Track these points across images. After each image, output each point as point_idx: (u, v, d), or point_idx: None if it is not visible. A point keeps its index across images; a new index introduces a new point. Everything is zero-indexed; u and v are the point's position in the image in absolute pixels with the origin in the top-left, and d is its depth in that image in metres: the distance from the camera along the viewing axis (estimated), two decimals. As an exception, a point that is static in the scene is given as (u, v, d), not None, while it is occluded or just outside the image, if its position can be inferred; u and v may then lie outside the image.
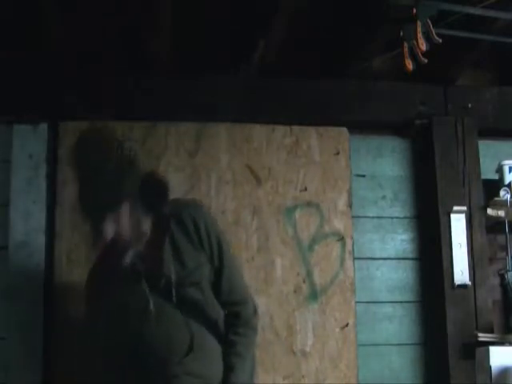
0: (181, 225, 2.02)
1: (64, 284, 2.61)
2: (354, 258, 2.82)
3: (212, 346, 2.04)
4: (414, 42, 2.31)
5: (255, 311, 2.12)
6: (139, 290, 1.96)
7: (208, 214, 2.14)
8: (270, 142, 2.85)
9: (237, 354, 2.04)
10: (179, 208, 2.06)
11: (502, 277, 2.91)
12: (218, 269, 2.06)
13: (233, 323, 2.08)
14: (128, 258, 1.91)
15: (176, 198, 2.11)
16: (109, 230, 1.86)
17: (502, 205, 2.81)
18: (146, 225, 1.95)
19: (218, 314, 2.06)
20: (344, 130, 2.90)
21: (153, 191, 1.95)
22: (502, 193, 2.82)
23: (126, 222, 1.90)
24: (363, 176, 2.95)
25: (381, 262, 2.89)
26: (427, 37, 2.30)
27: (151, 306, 1.96)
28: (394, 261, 2.90)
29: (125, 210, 1.89)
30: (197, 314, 2.00)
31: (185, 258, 2.00)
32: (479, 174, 2.89)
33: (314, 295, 2.75)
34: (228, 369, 2.02)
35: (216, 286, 2.07)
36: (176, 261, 1.99)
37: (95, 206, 1.89)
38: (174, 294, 1.96)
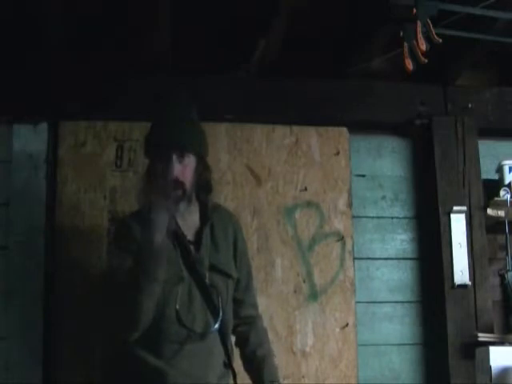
0: (222, 226, 2.16)
1: (64, 284, 2.61)
2: (354, 258, 2.82)
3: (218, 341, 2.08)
4: (414, 42, 2.30)
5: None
6: (172, 257, 2.00)
7: (242, 229, 2.28)
8: (270, 141, 2.85)
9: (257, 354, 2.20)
10: (223, 213, 2.22)
11: (502, 277, 2.91)
12: (242, 287, 2.18)
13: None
14: (179, 209, 2.01)
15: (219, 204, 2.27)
16: (176, 168, 2.01)
17: (502, 205, 2.81)
18: (195, 201, 2.11)
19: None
20: (344, 130, 2.91)
21: (204, 180, 2.12)
22: (502, 193, 2.81)
23: (189, 172, 2.05)
24: (363, 176, 2.95)
25: (381, 262, 2.89)
26: (427, 37, 2.29)
27: (184, 273, 2.01)
28: (394, 261, 2.90)
29: (191, 162, 2.06)
30: (221, 304, 2.05)
31: (220, 250, 2.11)
32: (479, 174, 2.89)
33: (314, 295, 2.75)
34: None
35: (236, 301, 2.17)
36: (213, 250, 2.09)
37: (166, 140, 2.04)
38: (207, 276, 2.03)
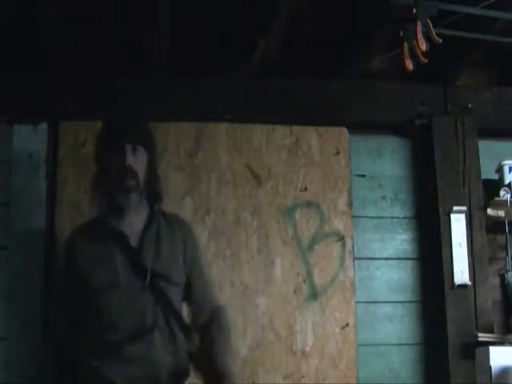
0: (170, 234, 2.18)
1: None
2: (354, 258, 2.82)
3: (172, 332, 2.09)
4: (414, 42, 2.30)
5: (216, 309, 2.25)
6: (111, 259, 2.06)
7: (194, 235, 2.31)
8: (270, 141, 2.85)
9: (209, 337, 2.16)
10: (172, 219, 2.24)
11: (502, 277, 2.91)
12: (188, 283, 2.19)
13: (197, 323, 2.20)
14: (130, 200, 2.09)
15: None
16: (129, 157, 2.07)
17: (502, 205, 2.81)
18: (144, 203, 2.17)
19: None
20: (344, 130, 2.90)
21: (153, 190, 2.18)
22: (502, 193, 2.81)
23: (142, 164, 2.12)
24: (363, 176, 2.95)
25: (381, 261, 2.89)
26: (427, 37, 2.29)
27: (120, 275, 2.04)
28: (394, 261, 2.90)
29: (143, 156, 2.13)
30: (165, 304, 2.07)
31: (163, 258, 2.12)
32: (479, 174, 2.89)
33: (314, 295, 2.75)
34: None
35: (193, 302, 2.21)
36: (156, 255, 2.10)
37: (118, 133, 2.11)
38: (148, 279, 2.04)
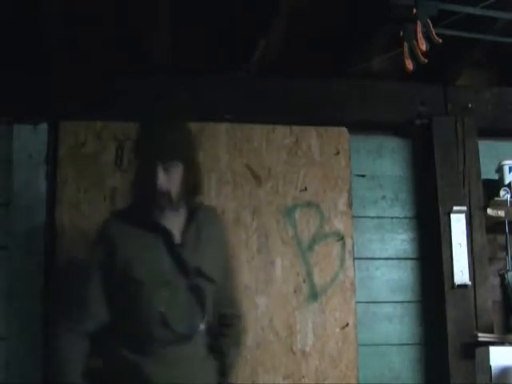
0: (208, 226, 2.13)
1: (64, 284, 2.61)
2: (354, 258, 2.82)
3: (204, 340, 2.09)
4: (414, 42, 2.30)
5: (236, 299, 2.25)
6: (158, 257, 2.02)
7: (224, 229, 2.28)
8: (270, 141, 2.85)
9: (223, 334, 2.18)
10: (208, 211, 2.20)
11: (502, 277, 2.91)
12: (221, 285, 2.14)
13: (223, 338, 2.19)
14: (164, 217, 2.03)
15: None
16: (161, 181, 1.98)
17: (502, 205, 2.81)
18: (183, 203, 2.08)
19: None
20: (344, 129, 2.90)
21: (194, 180, 2.09)
22: (502, 193, 2.82)
23: (176, 180, 2.01)
24: (363, 176, 2.95)
25: (381, 261, 2.89)
26: (427, 37, 2.29)
27: (171, 275, 2.01)
28: (394, 261, 2.90)
29: (177, 169, 2.02)
30: (203, 305, 2.05)
31: (205, 253, 2.08)
32: (479, 174, 2.89)
33: (314, 295, 2.75)
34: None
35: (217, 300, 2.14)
36: (197, 252, 2.06)
37: (149, 156, 2.01)
38: (190, 278, 2.02)
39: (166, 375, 1.95)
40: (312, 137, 2.88)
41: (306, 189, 2.83)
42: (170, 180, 1.99)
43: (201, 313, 2.03)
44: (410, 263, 2.90)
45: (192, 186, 2.08)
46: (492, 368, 2.62)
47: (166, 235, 2.04)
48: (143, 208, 2.06)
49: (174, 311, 1.99)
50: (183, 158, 2.03)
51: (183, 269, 2.02)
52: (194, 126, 2.77)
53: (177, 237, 2.05)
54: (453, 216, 2.81)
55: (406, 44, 2.34)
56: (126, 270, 2.00)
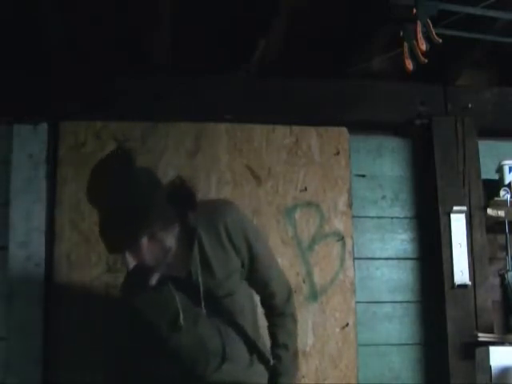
0: (211, 232, 1.95)
1: (64, 284, 2.61)
2: (354, 258, 2.82)
3: (241, 354, 2.04)
4: (414, 42, 2.30)
5: (289, 296, 2.14)
6: (170, 303, 1.95)
7: (237, 213, 2.03)
8: (270, 141, 2.85)
9: (279, 345, 2.09)
10: (210, 214, 1.97)
11: (502, 277, 2.91)
12: (249, 269, 2.04)
13: (269, 314, 2.13)
14: (153, 280, 1.86)
15: (204, 200, 2.09)
16: (130, 260, 1.78)
17: (502, 205, 2.81)
18: (171, 238, 1.86)
19: (251, 322, 2.08)
20: (344, 129, 2.90)
21: (179, 199, 1.90)
22: (502, 193, 2.81)
23: (146, 251, 1.80)
24: (363, 176, 2.95)
25: (381, 261, 2.89)
26: (427, 37, 2.29)
27: (181, 319, 1.94)
28: (394, 261, 2.90)
29: (144, 238, 1.79)
30: (228, 323, 2.01)
31: (214, 269, 1.95)
32: (479, 174, 2.89)
33: (314, 295, 2.75)
34: (276, 360, 2.08)
35: (251, 283, 2.08)
36: (205, 271, 1.93)
37: (114, 237, 1.77)
38: (203, 305, 1.94)
39: None
40: (312, 137, 2.88)
41: (305, 189, 2.83)
42: (139, 256, 1.79)
43: (227, 332, 2.00)
44: (409, 263, 2.90)
45: (182, 207, 1.90)
46: (492, 368, 2.62)
47: (175, 279, 1.95)
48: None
49: (197, 351, 1.98)
50: (148, 227, 1.78)
51: (193, 298, 1.95)
52: (194, 126, 2.80)
53: (180, 270, 1.94)
54: (453, 216, 2.81)
55: (405, 44, 2.34)
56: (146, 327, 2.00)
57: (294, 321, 2.16)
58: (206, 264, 1.94)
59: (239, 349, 2.03)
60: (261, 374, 2.07)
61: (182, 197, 1.90)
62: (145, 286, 1.87)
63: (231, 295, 1.99)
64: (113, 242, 1.76)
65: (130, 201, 1.75)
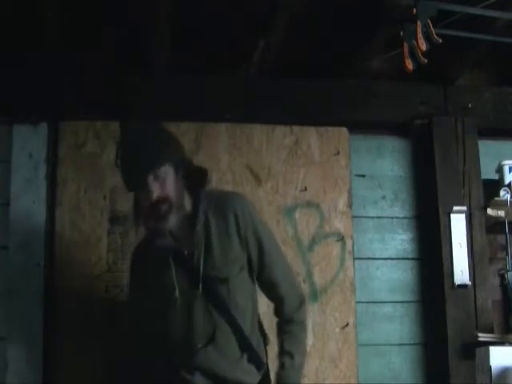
0: (220, 220, 2.01)
1: (64, 284, 2.61)
2: (354, 258, 2.83)
3: (230, 346, 2.02)
4: (414, 42, 2.30)
5: (301, 304, 2.12)
6: (168, 276, 1.98)
7: (248, 206, 2.07)
8: (270, 141, 2.85)
9: (285, 352, 2.06)
10: (221, 202, 2.04)
11: (502, 277, 2.91)
12: (258, 264, 2.06)
13: (279, 321, 2.13)
14: (169, 222, 1.92)
15: (218, 190, 2.18)
16: (154, 188, 1.89)
17: (502, 205, 2.81)
18: (187, 201, 2.00)
19: (249, 321, 2.07)
20: (344, 130, 2.91)
21: (193, 175, 2.01)
22: (502, 193, 2.82)
23: (170, 182, 1.92)
24: (363, 176, 2.95)
25: (381, 261, 2.89)
26: (427, 37, 2.30)
27: (177, 292, 1.97)
28: (394, 261, 2.90)
29: (168, 172, 1.92)
30: (221, 310, 2.01)
31: (216, 254, 1.99)
32: (479, 174, 2.89)
33: (313, 295, 2.75)
34: (279, 367, 2.05)
35: (261, 284, 2.11)
36: (207, 255, 1.98)
37: (136, 168, 1.90)
38: (200, 286, 1.97)
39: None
40: (312, 137, 2.88)
41: (305, 189, 2.83)
42: (163, 186, 1.90)
43: (216, 318, 1.99)
44: (409, 263, 2.90)
45: (193, 183, 2.01)
46: (492, 368, 2.62)
47: (178, 253, 2.00)
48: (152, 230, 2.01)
49: (187, 326, 1.98)
50: (169, 159, 1.94)
51: (192, 278, 1.98)
52: (194, 126, 2.80)
53: (184, 246, 1.99)
54: (453, 216, 2.81)
55: (405, 44, 2.35)
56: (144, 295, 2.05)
57: (304, 330, 2.13)
58: (209, 248, 1.99)
59: (229, 340, 2.02)
60: (249, 372, 2.04)
61: (194, 172, 2.02)
62: (161, 230, 1.95)
63: (227, 282, 2.00)
64: (136, 173, 1.89)
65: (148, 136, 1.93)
